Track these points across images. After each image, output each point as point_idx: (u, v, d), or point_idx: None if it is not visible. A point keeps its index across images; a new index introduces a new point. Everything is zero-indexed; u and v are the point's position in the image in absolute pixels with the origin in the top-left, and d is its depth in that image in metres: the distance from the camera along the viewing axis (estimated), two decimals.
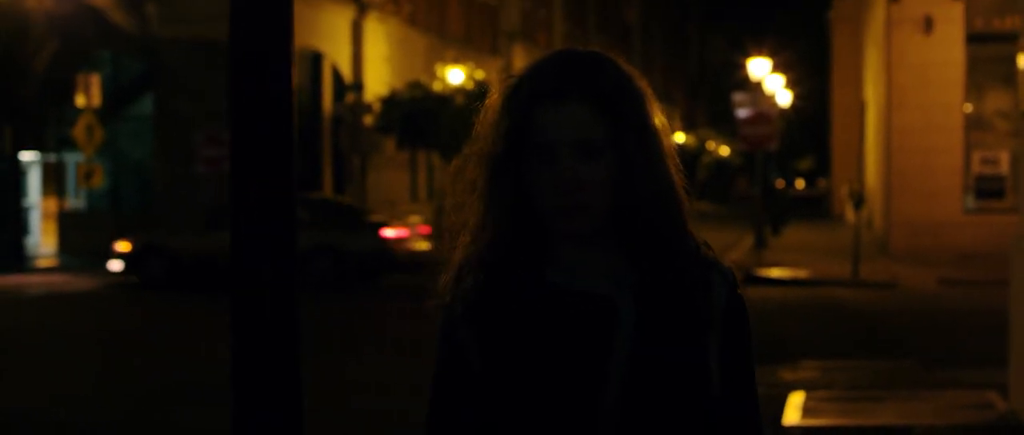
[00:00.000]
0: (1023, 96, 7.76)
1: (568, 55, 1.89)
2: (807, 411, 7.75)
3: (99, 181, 22.74)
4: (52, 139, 23.35)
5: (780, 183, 49.01)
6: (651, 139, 1.86)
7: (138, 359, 11.37)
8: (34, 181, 24.19)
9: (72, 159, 24.89)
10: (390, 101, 28.04)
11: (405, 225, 19.26)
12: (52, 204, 25.10)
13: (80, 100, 21.97)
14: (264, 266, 2.52)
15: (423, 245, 19.00)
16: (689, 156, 61.08)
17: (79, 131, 21.83)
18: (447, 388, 1.91)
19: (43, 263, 22.60)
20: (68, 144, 23.64)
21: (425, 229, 19.92)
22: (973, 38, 22.28)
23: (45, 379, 10.27)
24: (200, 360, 10.71)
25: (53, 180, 25.18)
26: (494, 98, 1.92)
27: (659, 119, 1.90)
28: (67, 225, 24.66)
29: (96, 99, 22.08)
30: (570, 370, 1.81)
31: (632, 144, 1.83)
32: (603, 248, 1.87)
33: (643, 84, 1.90)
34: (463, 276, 1.91)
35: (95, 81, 22.01)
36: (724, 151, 71.61)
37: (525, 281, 1.87)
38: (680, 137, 60.71)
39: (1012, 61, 9.05)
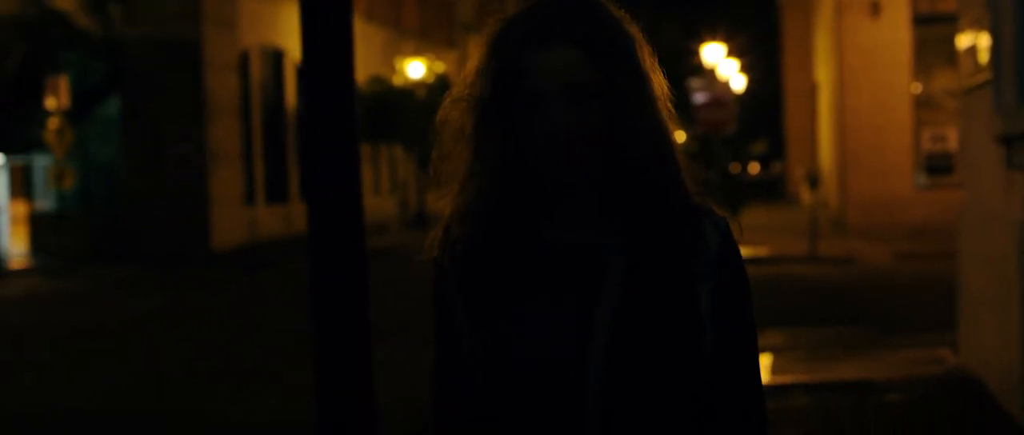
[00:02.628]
0: (964, 75, 8.33)
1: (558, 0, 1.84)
2: (775, 370, 8.35)
3: (71, 182, 23.00)
4: (19, 142, 23.56)
5: (735, 167, 49.65)
6: (643, 84, 1.83)
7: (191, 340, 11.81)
8: (1, 184, 24.41)
9: (40, 162, 25.10)
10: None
11: None
12: (19, 207, 25.30)
13: (50, 103, 22.22)
14: (337, 242, 3.01)
15: None
16: None
17: (50, 133, 22.10)
18: (444, 344, 1.91)
19: (16, 265, 22.83)
20: (35, 146, 23.84)
21: None
22: (919, 20, 22.94)
23: (133, 363, 10.68)
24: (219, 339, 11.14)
25: (21, 183, 25.38)
26: (482, 41, 1.88)
27: (651, 63, 1.87)
28: (39, 227, 24.89)
29: (65, 101, 22.35)
30: (557, 322, 1.77)
31: (625, 88, 1.79)
32: (592, 198, 1.83)
33: (634, 28, 1.87)
34: (451, 229, 1.88)
35: (63, 83, 22.27)
36: (679, 137, 72.33)
37: (513, 233, 1.83)
38: None
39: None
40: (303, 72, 3.08)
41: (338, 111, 3.00)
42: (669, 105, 1.88)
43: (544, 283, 1.80)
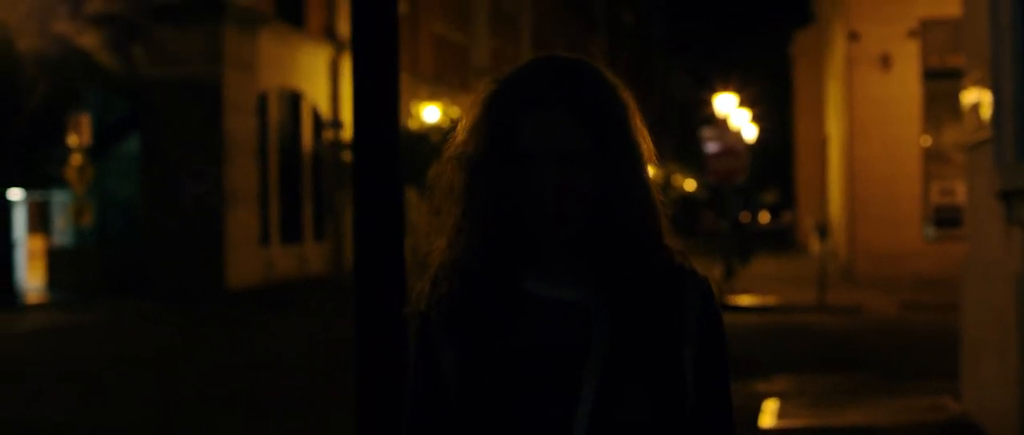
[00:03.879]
0: (968, 131, 8.60)
1: (553, 62, 1.86)
2: (781, 415, 8.59)
3: (90, 219, 23.34)
4: (39, 178, 23.90)
5: (745, 216, 49.90)
6: (633, 152, 1.86)
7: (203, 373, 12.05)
8: (20, 219, 24.72)
9: (58, 197, 25.44)
10: None
11: None
12: (37, 242, 25.61)
13: (72, 139, 22.60)
14: (382, 271, 3.28)
15: None
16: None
17: (71, 170, 22.46)
18: (422, 397, 1.90)
19: (33, 299, 23.10)
20: (54, 182, 24.19)
21: None
22: (929, 74, 23.25)
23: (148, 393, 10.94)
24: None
25: (38, 218, 25.71)
26: (475, 101, 1.90)
27: (641, 130, 1.89)
28: (56, 262, 25.20)
29: (87, 138, 22.73)
30: (544, 378, 1.79)
31: (615, 156, 1.82)
32: (580, 256, 1.84)
33: (626, 95, 1.89)
34: (439, 282, 1.89)
35: (85, 121, 22.65)
36: (690, 186, 72.52)
37: (501, 288, 1.85)
38: None
39: None
40: (355, 112, 3.34)
41: (385, 152, 3.27)
42: (654, 160, 1.92)
43: (531, 339, 1.81)
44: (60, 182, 23.61)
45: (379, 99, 3.33)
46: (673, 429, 1.82)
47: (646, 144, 1.90)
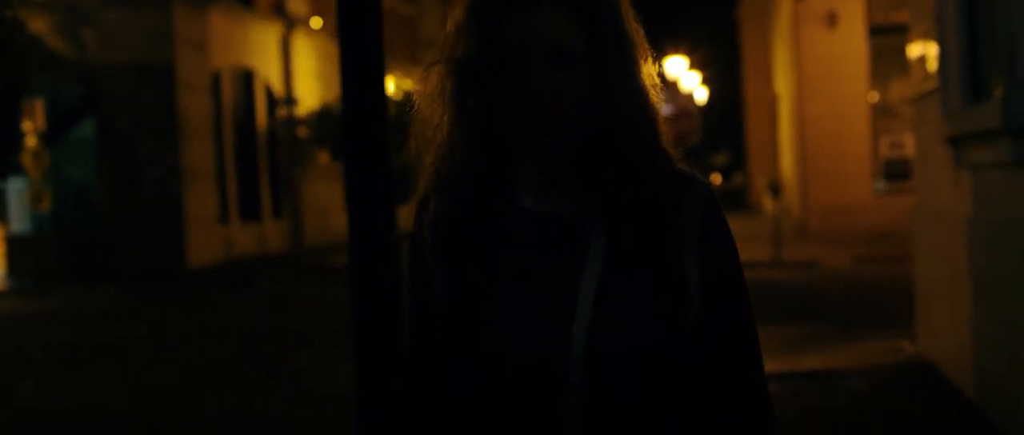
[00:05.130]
0: (915, 83, 8.90)
1: None
2: None
3: (48, 204, 23.29)
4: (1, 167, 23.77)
5: None
6: (628, 50, 1.77)
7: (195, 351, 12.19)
8: None
9: (13, 185, 25.33)
10: (323, 114, 28.90)
11: None
12: None
13: (26, 125, 22.52)
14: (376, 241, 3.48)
15: None
16: None
17: (26, 156, 22.38)
18: (420, 322, 1.84)
19: None
20: (9, 169, 24.08)
21: None
22: (875, 31, 23.63)
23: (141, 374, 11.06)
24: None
25: None
26: (460, 2, 1.79)
27: (636, 28, 1.80)
28: (14, 250, 25.12)
29: (41, 124, 22.66)
30: (539, 296, 1.72)
31: (609, 54, 1.73)
32: (573, 168, 1.76)
33: None
34: (427, 201, 1.82)
35: (39, 107, 22.57)
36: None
37: (493, 205, 1.77)
38: None
39: None
40: (343, 85, 3.52)
41: (375, 119, 3.46)
42: (653, 74, 1.82)
43: (524, 258, 1.74)
44: (15, 169, 23.52)
45: (367, 68, 3.52)
46: (673, 345, 1.73)
47: (642, 43, 1.81)
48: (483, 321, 1.74)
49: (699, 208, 1.77)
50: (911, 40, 8.95)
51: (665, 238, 1.74)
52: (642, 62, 1.80)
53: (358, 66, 3.48)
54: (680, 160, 1.83)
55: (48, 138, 23.76)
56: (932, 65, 7.99)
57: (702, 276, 1.76)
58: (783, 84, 32.29)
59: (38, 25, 23.47)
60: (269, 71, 29.57)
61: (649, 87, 1.80)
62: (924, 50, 8.38)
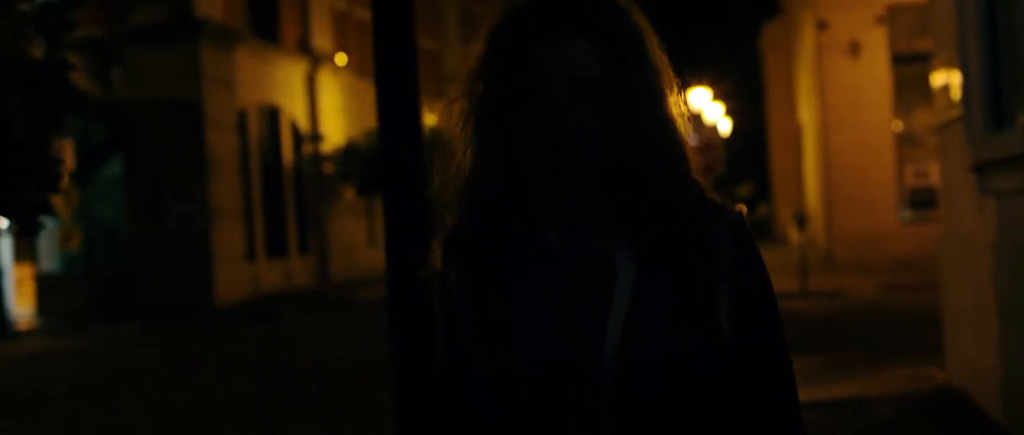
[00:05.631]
0: (939, 111, 8.94)
1: None
2: None
3: (78, 243, 23.50)
4: (28, 206, 24.01)
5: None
6: (653, 79, 1.73)
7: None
8: (5, 247, 24.82)
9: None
10: (348, 150, 29.10)
11: None
12: (24, 269, 25.74)
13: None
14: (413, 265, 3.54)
15: None
16: None
17: (56, 195, 22.59)
18: (451, 360, 1.82)
19: (23, 326, 23.23)
20: (39, 209, 24.30)
21: None
22: (898, 59, 23.68)
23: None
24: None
25: (25, 245, 25.82)
26: (481, 35, 1.77)
27: (660, 56, 1.76)
28: (44, 288, 25.33)
29: (70, 163, 22.89)
30: (567, 334, 1.68)
31: (633, 84, 1.69)
32: (599, 201, 1.73)
33: (641, 18, 1.76)
34: (453, 238, 1.80)
35: (68, 146, 22.82)
36: None
37: (518, 241, 1.74)
38: None
39: None
40: (378, 96, 3.60)
41: (410, 150, 3.54)
42: (681, 102, 1.79)
43: (552, 294, 1.71)
44: (49, 210, 23.72)
45: (402, 99, 3.61)
46: (709, 376, 1.70)
47: (666, 71, 1.77)
48: (509, 352, 1.70)
49: (729, 238, 1.73)
50: (934, 68, 8.99)
51: (695, 268, 1.70)
52: (668, 91, 1.75)
53: (394, 97, 3.57)
54: (709, 190, 1.78)
55: (77, 177, 24.00)
56: (955, 93, 8.03)
57: (734, 306, 1.72)
58: (807, 114, 32.30)
59: (35, 49, 23.77)
60: (295, 108, 29.79)
61: (676, 117, 1.76)
62: (947, 78, 8.43)
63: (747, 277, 1.74)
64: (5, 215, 8.69)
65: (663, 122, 1.73)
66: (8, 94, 6.51)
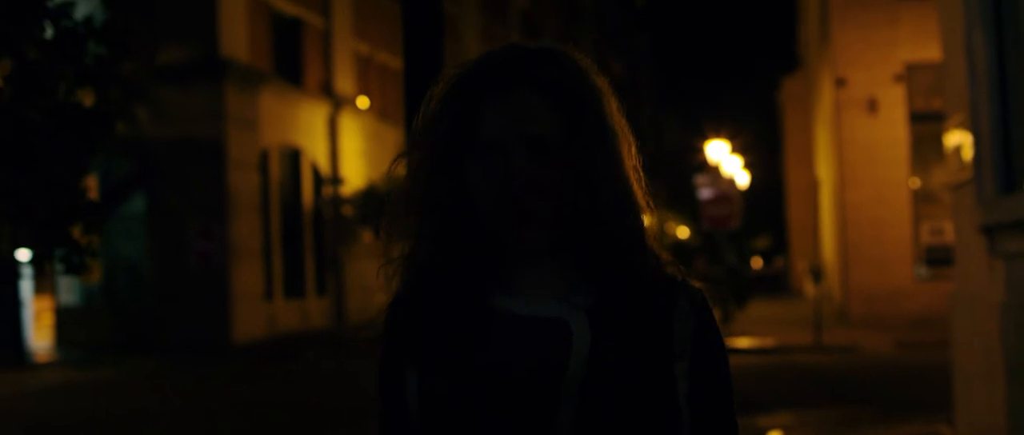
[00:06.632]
0: (951, 172, 9.08)
1: (520, 46, 1.70)
2: None
3: (98, 277, 23.73)
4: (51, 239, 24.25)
5: (758, 261, 50.41)
6: (610, 140, 1.67)
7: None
8: (25, 280, 25.06)
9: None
10: (368, 193, 29.33)
11: None
12: (43, 301, 25.97)
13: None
14: None
15: None
16: None
17: (78, 230, 22.85)
18: (393, 428, 1.73)
19: (41, 358, 23.41)
20: (61, 242, 24.54)
21: None
22: (915, 117, 23.84)
23: None
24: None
25: (46, 277, 26.06)
26: (438, 88, 1.72)
27: (619, 119, 1.71)
28: (63, 321, 25.56)
29: (94, 198, 23.16)
30: (519, 403, 1.61)
31: (590, 144, 1.64)
32: (554, 265, 1.67)
33: (602, 80, 1.72)
34: (399, 300, 1.73)
35: (92, 182, 23.10)
36: (683, 232, 72.97)
37: (466, 304, 1.66)
38: None
39: None
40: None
41: None
42: (639, 166, 1.74)
43: (504, 360, 1.62)
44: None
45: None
46: None
47: (624, 133, 1.71)
48: (457, 425, 1.62)
49: (691, 317, 1.68)
50: (947, 129, 9.15)
51: (654, 344, 1.64)
52: (625, 153, 1.70)
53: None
54: (669, 262, 1.72)
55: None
56: (967, 154, 8.18)
57: (692, 387, 1.66)
58: (825, 169, 32.43)
59: (92, 102, 24.16)
60: (316, 150, 30.07)
61: (633, 180, 1.70)
62: (960, 139, 8.58)
63: (707, 357, 1.69)
64: (56, 257, 8.93)
65: (619, 185, 1.67)
66: (59, 139, 6.80)
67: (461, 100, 1.66)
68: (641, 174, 1.73)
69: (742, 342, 20.66)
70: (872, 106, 24.20)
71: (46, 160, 7.61)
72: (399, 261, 1.73)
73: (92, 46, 7.09)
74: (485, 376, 1.61)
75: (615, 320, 1.62)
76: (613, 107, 1.70)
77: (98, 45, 7.37)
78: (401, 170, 1.73)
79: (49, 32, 7.25)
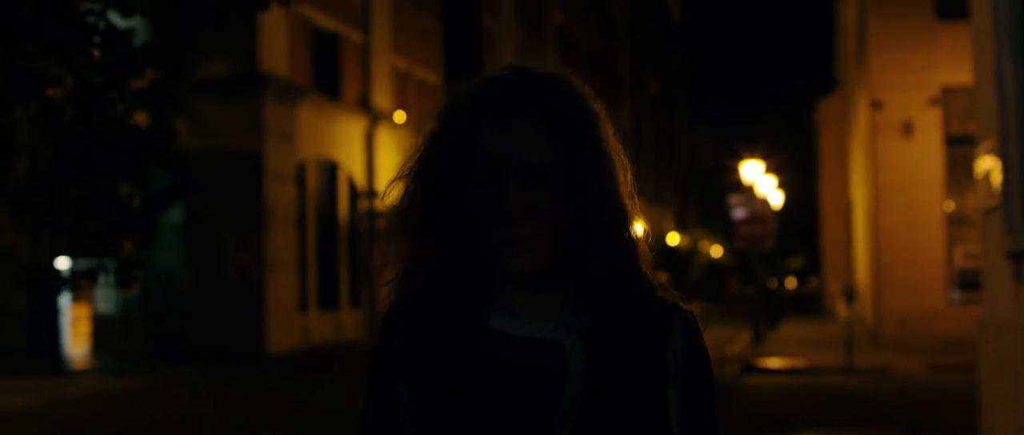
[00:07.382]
0: (981, 198, 9.15)
1: (519, 71, 1.71)
2: None
3: (138, 285, 24.01)
4: (87, 246, 24.56)
5: (772, 282, 50.39)
6: (606, 166, 1.68)
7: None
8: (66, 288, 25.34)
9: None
10: None
11: None
12: (80, 309, 26.29)
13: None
14: None
15: None
16: (682, 256, 62.54)
17: (129, 244, 23.13)
18: None
19: (78, 366, 23.70)
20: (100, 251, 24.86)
21: None
22: (951, 141, 23.78)
23: None
24: None
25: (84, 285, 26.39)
26: (433, 113, 1.74)
27: (615, 144, 1.73)
28: (99, 329, 25.87)
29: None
30: (513, 424, 1.62)
31: (586, 171, 1.65)
32: (550, 288, 1.68)
33: (599, 106, 1.73)
34: (394, 319, 1.73)
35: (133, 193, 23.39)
36: (716, 252, 72.84)
37: (462, 325, 1.67)
38: (673, 238, 62.15)
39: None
40: None
41: None
42: (633, 190, 1.75)
43: (499, 384, 1.63)
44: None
45: None
46: None
47: (619, 158, 1.73)
48: None
49: (684, 343, 1.72)
50: (978, 155, 9.22)
51: (647, 366, 1.67)
52: (621, 178, 1.72)
53: None
54: (661, 285, 1.76)
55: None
56: (996, 180, 8.26)
57: (684, 410, 1.71)
58: (859, 190, 32.38)
59: (139, 116, 24.45)
60: (352, 163, 30.31)
61: (628, 206, 1.72)
62: (990, 165, 8.66)
63: (698, 379, 1.73)
64: (108, 270, 9.18)
65: (615, 212, 1.69)
66: (117, 160, 7.06)
67: (457, 126, 1.68)
68: (636, 200, 1.75)
69: (773, 362, 20.67)
70: (908, 129, 24.17)
71: (105, 177, 7.92)
72: (397, 279, 1.74)
73: (148, 71, 7.38)
74: (480, 396, 1.63)
75: (610, 343, 1.65)
76: (610, 133, 1.72)
77: (155, 70, 7.67)
78: (399, 191, 1.75)
79: (110, 56, 7.56)
